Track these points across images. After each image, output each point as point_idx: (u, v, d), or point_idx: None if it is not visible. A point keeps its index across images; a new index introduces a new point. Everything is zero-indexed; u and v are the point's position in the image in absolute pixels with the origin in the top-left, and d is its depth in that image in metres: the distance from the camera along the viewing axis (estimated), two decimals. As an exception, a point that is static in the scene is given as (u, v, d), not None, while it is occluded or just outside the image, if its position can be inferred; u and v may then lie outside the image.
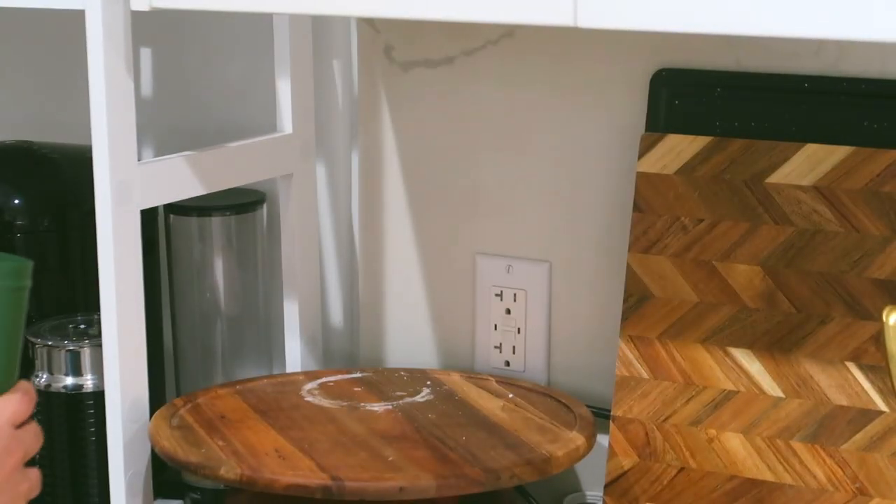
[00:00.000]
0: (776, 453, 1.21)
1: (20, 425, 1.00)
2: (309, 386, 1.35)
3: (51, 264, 1.44)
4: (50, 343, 1.36)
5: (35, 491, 1.02)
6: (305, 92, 1.44)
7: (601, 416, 1.31)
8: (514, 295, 1.41)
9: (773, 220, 1.23)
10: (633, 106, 1.33)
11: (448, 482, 1.12)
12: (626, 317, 1.28)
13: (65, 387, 1.35)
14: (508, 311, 1.42)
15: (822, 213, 1.21)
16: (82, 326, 1.40)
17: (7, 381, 0.99)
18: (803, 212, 1.22)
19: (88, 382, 1.36)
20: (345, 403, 1.30)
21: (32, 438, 1.01)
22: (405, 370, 1.41)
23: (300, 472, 1.13)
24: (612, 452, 1.27)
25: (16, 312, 0.98)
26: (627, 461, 1.26)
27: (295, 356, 1.46)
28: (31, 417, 1.02)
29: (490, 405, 1.31)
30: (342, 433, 1.22)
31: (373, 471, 1.14)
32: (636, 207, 1.28)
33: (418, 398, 1.32)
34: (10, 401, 0.99)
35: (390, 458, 1.17)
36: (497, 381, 1.37)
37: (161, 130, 1.59)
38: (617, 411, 1.27)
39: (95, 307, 1.25)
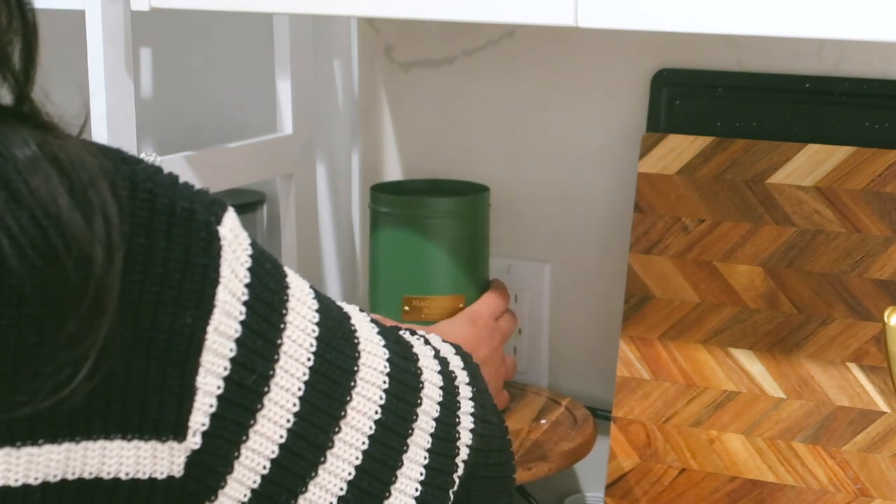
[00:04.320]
0: (777, 454, 1.21)
1: (498, 317, 1.25)
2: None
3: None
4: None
5: (511, 374, 1.27)
6: (305, 92, 1.44)
7: (602, 417, 1.31)
8: (515, 296, 1.41)
9: (775, 220, 1.23)
10: (634, 106, 1.33)
11: None
12: (626, 317, 1.28)
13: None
14: (509, 312, 1.42)
15: (823, 214, 1.21)
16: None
17: (485, 284, 1.30)
18: (804, 212, 1.22)
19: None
20: (345, 404, 1.30)
21: (508, 327, 1.26)
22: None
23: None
24: (612, 453, 1.26)
25: (486, 231, 1.30)
26: (628, 462, 1.26)
27: (295, 357, 1.46)
28: (507, 310, 1.27)
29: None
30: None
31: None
32: (637, 208, 1.28)
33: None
34: (491, 297, 1.26)
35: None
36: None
37: (161, 130, 1.59)
38: (618, 412, 1.27)
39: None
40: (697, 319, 1.25)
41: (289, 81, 1.41)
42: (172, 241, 0.69)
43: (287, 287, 0.76)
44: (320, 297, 0.79)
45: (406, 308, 1.27)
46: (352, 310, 0.82)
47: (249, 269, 0.73)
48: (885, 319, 1.04)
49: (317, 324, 0.77)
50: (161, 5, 1.14)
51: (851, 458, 1.18)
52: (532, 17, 1.00)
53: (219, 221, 0.72)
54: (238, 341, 0.71)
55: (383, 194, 1.29)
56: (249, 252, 0.73)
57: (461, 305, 1.27)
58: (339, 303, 0.82)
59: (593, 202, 1.37)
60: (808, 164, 1.22)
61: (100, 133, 1.19)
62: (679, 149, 1.27)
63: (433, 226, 1.26)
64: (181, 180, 0.72)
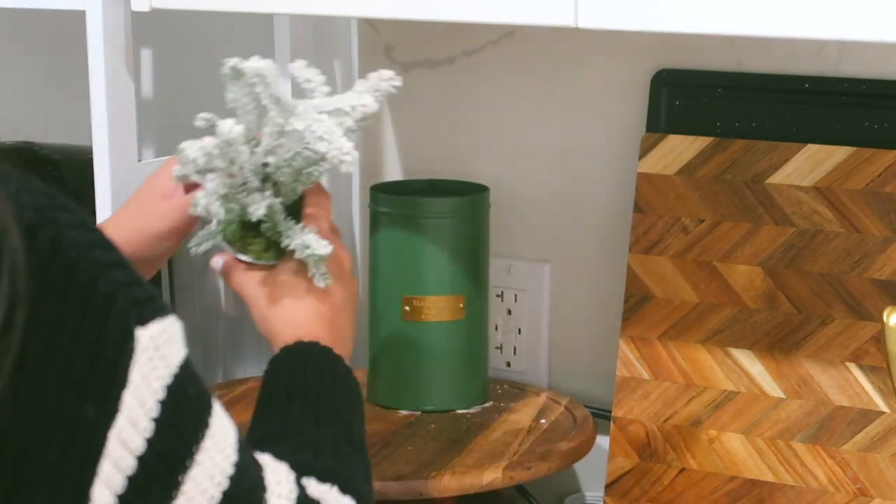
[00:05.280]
0: (777, 454, 1.21)
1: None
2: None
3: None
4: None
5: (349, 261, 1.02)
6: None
7: (602, 416, 1.31)
8: (515, 296, 1.41)
9: (774, 220, 1.23)
10: (634, 106, 1.33)
11: None
12: (626, 317, 1.28)
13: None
14: (509, 312, 1.42)
15: (822, 214, 1.21)
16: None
17: (485, 284, 1.30)
18: (804, 212, 1.22)
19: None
20: (345, 404, 1.30)
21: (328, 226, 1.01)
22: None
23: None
24: (612, 453, 1.27)
25: (486, 231, 1.30)
26: (628, 462, 1.26)
27: (295, 356, 1.46)
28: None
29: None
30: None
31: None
32: (637, 208, 1.28)
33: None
34: (316, 214, 0.98)
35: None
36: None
37: (161, 130, 1.59)
38: (618, 412, 1.27)
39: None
40: (697, 319, 1.25)
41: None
42: (85, 322, 0.65)
43: (207, 426, 0.71)
44: (244, 455, 0.74)
45: (406, 308, 1.27)
46: (276, 486, 0.76)
47: (167, 387, 0.68)
48: (885, 319, 1.04)
49: (229, 477, 0.72)
50: (161, 5, 1.15)
51: (851, 458, 1.18)
52: (532, 17, 1.00)
53: (141, 321, 0.67)
54: (140, 459, 0.67)
55: (383, 194, 1.29)
56: (173, 371, 0.69)
57: (461, 305, 1.27)
58: (272, 473, 0.77)
59: (593, 202, 1.37)
60: (807, 165, 1.22)
61: (100, 134, 1.19)
62: (679, 149, 1.27)
63: (433, 226, 1.26)
64: (125, 268, 0.67)
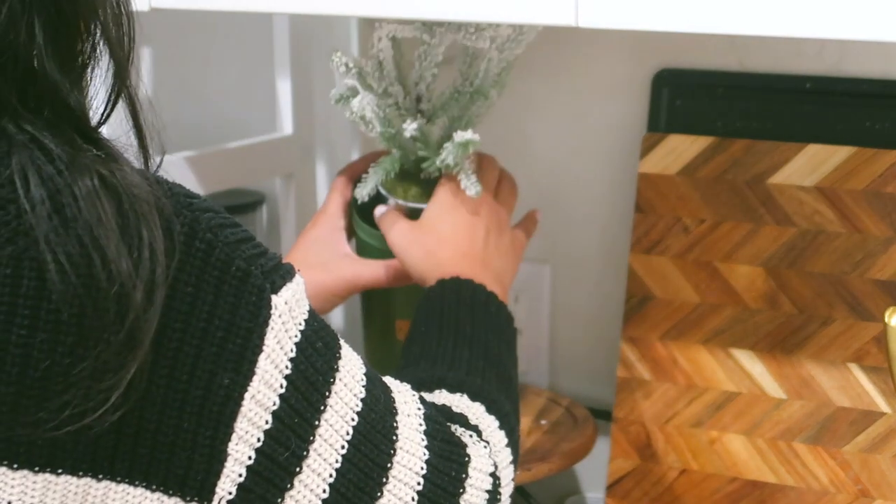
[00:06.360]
0: (778, 455, 1.20)
1: (495, 191, 1.16)
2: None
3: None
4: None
5: (524, 241, 1.17)
6: (305, 92, 1.43)
7: (602, 417, 1.31)
8: (516, 296, 1.40)
9: (775, 220, 1.22)
10: (635, 106, 1.33)
11: None
12: (627, 318, 1.28)
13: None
14: (509, 313, 1.41)
15: (824, 214, 1.21)
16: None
17: None
18: (805, 213, 1.21)
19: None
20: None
21: (509, 196, 1.18)
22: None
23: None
24: (613, 454, 1.26)
25: None
26: (629, 463, 1.26)
27: (295, 357, 1.46)
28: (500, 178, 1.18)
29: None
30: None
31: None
32: (638, 208, 1.28)
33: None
34: (482, 176, 1.16)
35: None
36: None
37: (161, 130, 1.58)
38: (618, 413, 1.27)
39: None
40: (698, 320, 1.24)
41: (289, 81, 1.41)
42: (220, 298, 0.69)
43: (336, 370, 0.75)
44: (371, 387, 0.78)
45: (400, 337, 1.19)
46: (403, 406, 0.81)
47: (297, 344, 0.73)
48: (886, 320, 1.04)
49: (358, 413, 0.76)
50: (161, 5, 1.14)
51: (852, 459, 1.18)
52: (532, 17, 1.00)
53: (275, 289, 0.72)
54: (275, 414, 0.71)
55: (365, 224, 1.18)
56: (302, 327, 0.73)
57: None
58: (397, 393, 0.81)
59: (593, 202, 1.37)
60: (808, 165, 1.22)
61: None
62: (680, 149, 1.27)
63: None
64: (252, 241, 0.72)
